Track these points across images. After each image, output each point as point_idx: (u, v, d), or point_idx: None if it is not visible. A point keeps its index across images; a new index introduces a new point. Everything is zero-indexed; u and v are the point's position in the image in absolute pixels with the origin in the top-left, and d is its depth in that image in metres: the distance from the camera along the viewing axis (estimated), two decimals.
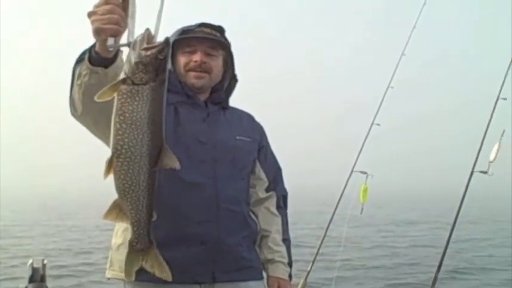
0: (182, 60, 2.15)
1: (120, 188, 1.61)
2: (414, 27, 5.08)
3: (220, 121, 2.20)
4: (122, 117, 1.55)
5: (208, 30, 2.16)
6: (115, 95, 1.56)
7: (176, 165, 1.63)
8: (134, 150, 1.57)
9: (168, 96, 1.65)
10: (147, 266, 1.74)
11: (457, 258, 10.89)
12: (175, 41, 2.12)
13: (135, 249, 1.72)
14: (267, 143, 2.37)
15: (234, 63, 2.27)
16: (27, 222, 23.04)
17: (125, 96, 1.55)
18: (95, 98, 1.55)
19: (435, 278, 3.71)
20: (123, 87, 1.55)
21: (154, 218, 1.69)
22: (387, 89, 4.98)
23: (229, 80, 2.28)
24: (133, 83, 1.55)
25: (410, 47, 5.06)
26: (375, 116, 4.94)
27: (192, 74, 2.13)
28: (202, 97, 2.20)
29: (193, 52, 2.13)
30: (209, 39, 2.15)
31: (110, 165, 1.59)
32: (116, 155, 1.57)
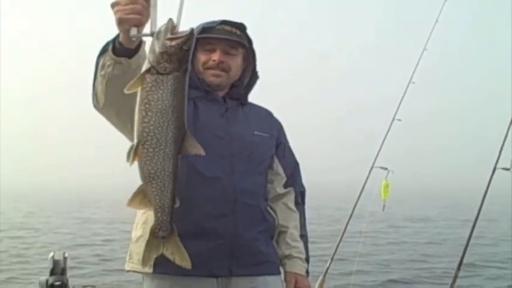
0: (201, 58, 2.15)
1: (145, 174, 1.64)
2: (437, 21, 5.00)
3: (238, 116, 2.20)
4: (147, 105, 1.58)
5: (228, 28, 2.15)
6: None
7: (201, 151, 1.67)
8: (160, 137, 1.60)
9: (187, 91, 1.67)
10: (168, 253, 1.75)
11: (475, 256, 10.78)
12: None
13: (157, 235, 1.73)
14: (285, 139, 2.37)
15: (256, 59, 2.26)
16: (45, 215, 23.45)
17: (149, 85, 1.58)
18: (125, 90, 1.58)
19: (455, 276, 3.67)
20: (147, 76, 1.58)
21: (177, 204, 1.71)
22: (409, 84, 4.92)
23: (249, 76, 2.27)
24: (158, 72, 1.58)
25: (431, 42, 4.99)
26: (396, 111, 4.90)
27: (210, 72, 2.14)
28: (221, 93, 2.20)
29: (212, 51, 2.14)
30: (229, 39, 2.14)
31: (136, 152, 1.61)
32: (142, 142, 1.60)
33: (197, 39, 2.11)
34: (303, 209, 2.36)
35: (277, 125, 2.35)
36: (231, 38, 2.14)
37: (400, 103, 4.90)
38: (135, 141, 1.62)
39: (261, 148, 2.20)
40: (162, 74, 1.58)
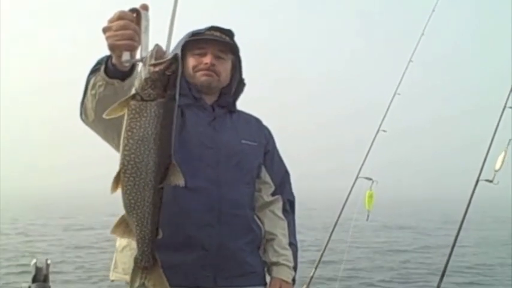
0: (192, 62, 2.14)
1: (126, 204, 1.61)
2: (422, 34, 5.05)
3: (226, 125, 2.19)
4: (129, 133, 1.55)
5: (218, 33, 2.16)
6: (125, 111, 1.56)
7: (181, 182, 1.63)
8: (140, 166, 1.57)
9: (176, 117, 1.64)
10: (150, 285, 1.72)
11: (457, 266, 10.85)
12: (185, 43, 2.12)
13: (139, 266, 1.71)
14: (274, 147, 2.35)
15: (242, 67, 2.27)
16: (27, 221, 23.19)
17: (133, 112, 1.55)
18: (104, 115, 1.56)
19: (438, 287, 3.69)
20: (132, 102, 1.55)
21: (160, 236, 1.68)
22: (394, 96, 4.96)
23: (236, 83, 2.27)
24: (142, 99, 1.55)
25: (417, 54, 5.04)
26: (381, 123, 4.93)
27: (201, 72, 2.13)
28: (210, 100, 2.19)
29: (203, 54, 2.13)
30: (220, 42, 2.15)
31: (117, 180, 1.59)
32: (122, 171, 1.58)
33: (187, 43, 2.11)
34: (292, 217, 2.34)
35: (266, 133, 2.34)
36: (221, 40, 2.15)
37: (385, 114, 4.94)
38: (118, 169, 1.59)
39: (248, 157, 2.18)
40: (146, 100, 1.55)
